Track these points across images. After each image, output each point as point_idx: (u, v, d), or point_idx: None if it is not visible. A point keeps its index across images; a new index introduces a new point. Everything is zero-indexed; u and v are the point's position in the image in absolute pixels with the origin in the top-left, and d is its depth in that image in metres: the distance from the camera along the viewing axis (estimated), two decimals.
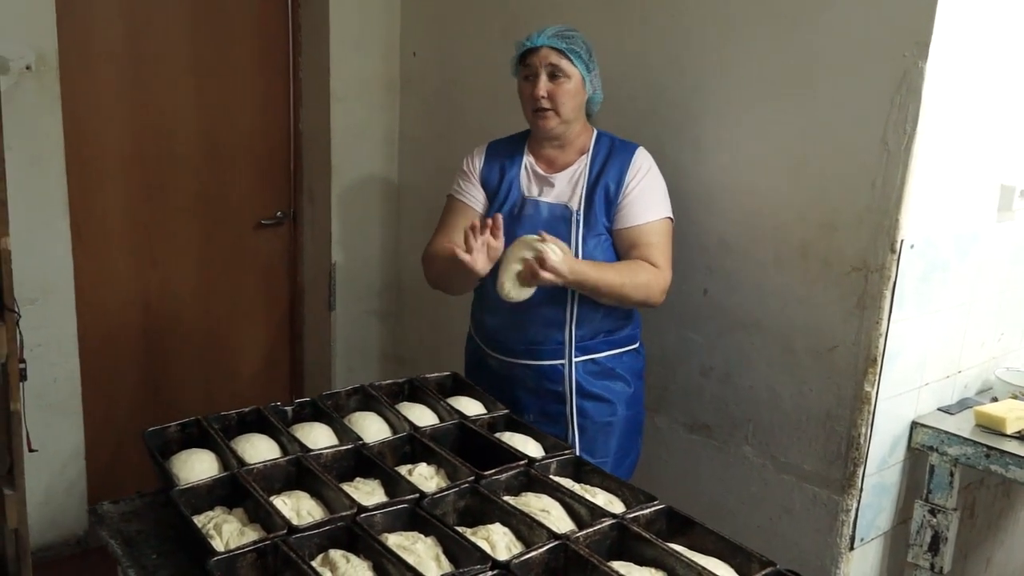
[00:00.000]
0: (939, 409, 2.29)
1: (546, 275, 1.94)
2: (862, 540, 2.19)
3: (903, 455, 2.24)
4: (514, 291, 2.01)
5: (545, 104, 2.11)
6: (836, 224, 2.11)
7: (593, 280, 2.04)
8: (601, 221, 2.15)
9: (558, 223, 2.15)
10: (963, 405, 2.30)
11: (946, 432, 2.17)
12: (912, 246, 2.04)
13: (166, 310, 3.28)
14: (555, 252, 1.95)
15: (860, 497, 2.15)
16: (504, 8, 2.90)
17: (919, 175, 1.99)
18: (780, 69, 2.17)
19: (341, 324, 3.47)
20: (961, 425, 2.21)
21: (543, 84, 2.09)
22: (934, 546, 2.20)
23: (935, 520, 2.19)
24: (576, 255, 2.10)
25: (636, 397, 2.28)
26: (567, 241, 2.09)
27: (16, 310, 2.41)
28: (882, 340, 2.06)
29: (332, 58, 3.22)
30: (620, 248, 2.16)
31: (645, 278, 2.10)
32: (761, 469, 2.31)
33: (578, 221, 2.14)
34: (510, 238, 2.07)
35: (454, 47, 3.15)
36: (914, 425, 2.23)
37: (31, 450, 2.59)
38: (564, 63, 2.09)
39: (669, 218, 2.17)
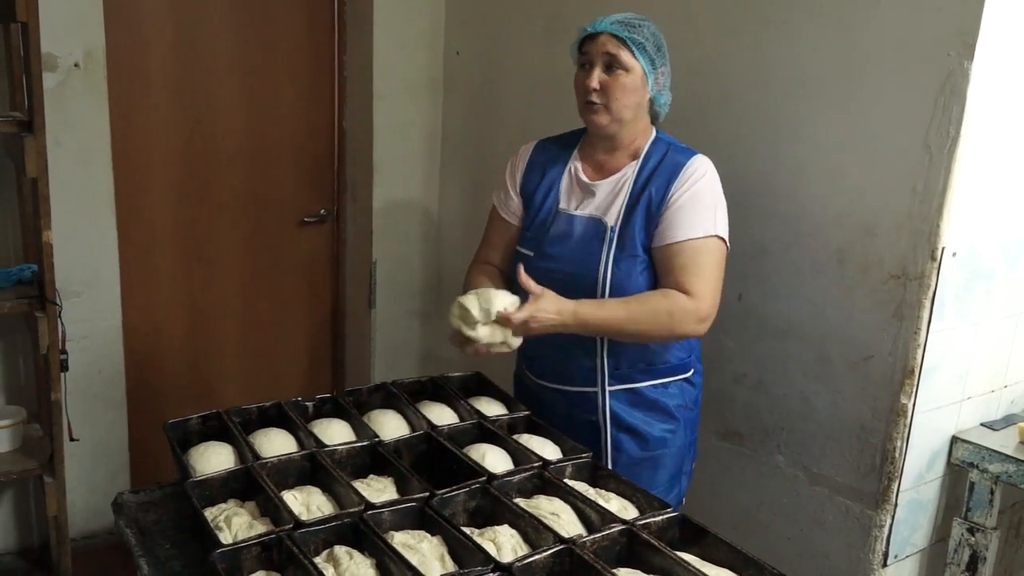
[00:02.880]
0: (982, 424, 2.20)
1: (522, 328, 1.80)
2: (896, 557, 2.12)
3: (942, 471, 2.16)
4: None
5: (596, 98, 1.91)
6: (875, 230, 2.04)
7: (596, 321, 1.85)
8: (639, 240, 1.91)
9: (591, 241, 1.95)
10: (1008, 421, 2.21)
11: (987, 448, 2.08)
12: (954, 254, 1.96)
13: (210, 305, 3.34)
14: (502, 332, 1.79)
15: (895, 512, 2.07)
16: (546, 6, 2.88)
17: (963, 180, 1.92)
18: (820, 70, 2.11)
19: (381, 322, 3.49)
20: (1005, 442, 2.11)
21: (596, 75, 1.89)
22: (972, 566, 2.11)
23: (974, 539, 2.11)
24: (604, 278, 1.92)
25: (685, 431, 2.07)
26: (596, 261, 1.93)
27: (57, 302, 2.47)
28: (920, 351, 1.99)
29: (375, 56, 3.24)
30: (658, 271, 1.93)
31: (666, 308, 1.85)
32: (793, 480, 2.25)
33: (611, 239, 1.93)
34: (539, 254, 1.99)
35: (497, 46, 3.15)
36: (954, 440, 2.14)
37: (72, 439, 2.66)
38: (624, 54, 1.88)
39: (719, 237, 1.91)
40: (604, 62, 1.90)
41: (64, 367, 2.56)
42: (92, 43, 2.76)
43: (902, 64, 1.95)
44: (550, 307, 1.80)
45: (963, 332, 2.07)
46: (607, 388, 2.01)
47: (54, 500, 2.58)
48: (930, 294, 1.96)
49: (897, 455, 2.04)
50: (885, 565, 2.11)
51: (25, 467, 2.61)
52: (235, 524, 1.48)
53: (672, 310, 1.86)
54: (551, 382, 2.08)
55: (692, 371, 2.09)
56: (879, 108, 2.00)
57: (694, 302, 1.87)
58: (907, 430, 2.03)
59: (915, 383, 2.00)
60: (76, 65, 2.74)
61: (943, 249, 1.94)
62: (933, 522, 2.19)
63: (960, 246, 1.97)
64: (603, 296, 1.93)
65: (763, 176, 2.25)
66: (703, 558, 1.46)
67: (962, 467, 2.14)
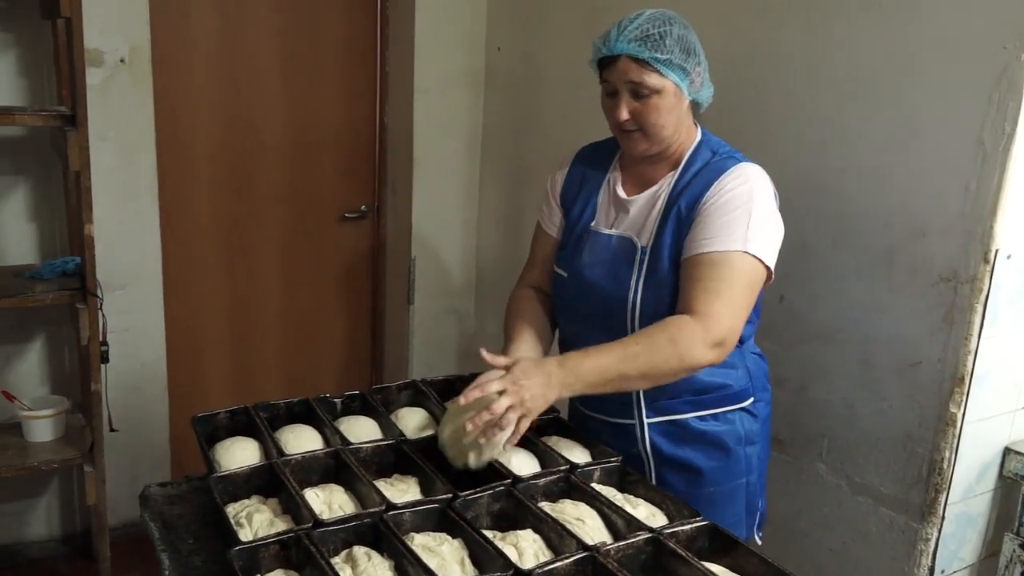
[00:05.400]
0: None
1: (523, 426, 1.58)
2: (943, 572, 2.03)
3: (994, 483, 2.07)
4: (475, 459, 1.62)
5: (630, 126, 1.72)
6: (924, 230, 1.95)
7: (589, 371, 1.58)
8: (668, 257, 1.72)
9: (621, 263, 1.77)
10: None
11: None
12: (1008, 256, 1.87)
13: (251, 298, 3.37)
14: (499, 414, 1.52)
15: (941, 526, 1.99)
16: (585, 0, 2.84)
17: (1018, 179, 1.82)
18: (869, 64, 2.03)
19: (419, 319, 3.48)
20: None
21: (624, 106, 1.69)
22: None
23: None
24: (634, 305, 1.74)
25: (745, 466, 1.85)
26: (626, 285, 1.74)
27: (98, 294, 2.50)
28: (971, 358, 1.90)
29: (417, 51, 3.23)
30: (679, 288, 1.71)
31: (665, 336, 1.59)
32: (835, 489, 2.18)
33: (642, 260, 1.74)
34: (573, 275, 1.83)
35: (538, 42, 3.11)
36: (1007, 451, 2.05)
37: (112, 429, 2.70)
38: (650, 78, 1.66)
39: (752, 255, 1.66)
40: (629, 90, 1.69)
41: (104, 358, 2.59)
42: (137, 39, 2.80)
43: (955, 58, 1.86)
44: (531, 372, 1.56)
45: (1019, 338, 1.97)
46: (645, 421, 1.83)
47: (93, 489, 2.62)
48: (982, 298, 1.87)
49: (945, 466, 1.95)
50: None
51: (66, 456, 2.65)
52: (256, 521, 1.47)
53: (673, 336, 1.60)
54: (593, 411, 1.93)
55: (752, 399, 1.87)
56: (930, 103, 1.92)
57: (701, 323, 1.61)
58: (956, 440, 1.94)
59: (965, 391, 1.91)
60: (122, 61, 2.78)
61: (996, 251, 1.85)
62: (983, 536, 2.10)
63: (1015, 248, 1.88)
64: (634, 325, 1.75)
65: (808, 173, 2.17)
66: (733, 570, 1.41)
67: (1015, 480, 2.04)
